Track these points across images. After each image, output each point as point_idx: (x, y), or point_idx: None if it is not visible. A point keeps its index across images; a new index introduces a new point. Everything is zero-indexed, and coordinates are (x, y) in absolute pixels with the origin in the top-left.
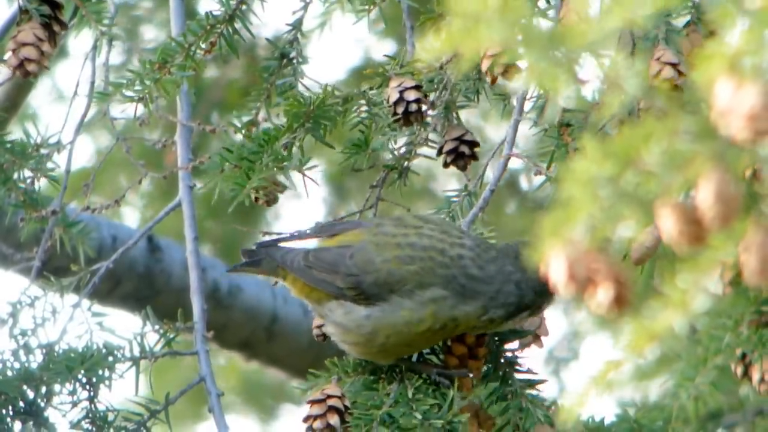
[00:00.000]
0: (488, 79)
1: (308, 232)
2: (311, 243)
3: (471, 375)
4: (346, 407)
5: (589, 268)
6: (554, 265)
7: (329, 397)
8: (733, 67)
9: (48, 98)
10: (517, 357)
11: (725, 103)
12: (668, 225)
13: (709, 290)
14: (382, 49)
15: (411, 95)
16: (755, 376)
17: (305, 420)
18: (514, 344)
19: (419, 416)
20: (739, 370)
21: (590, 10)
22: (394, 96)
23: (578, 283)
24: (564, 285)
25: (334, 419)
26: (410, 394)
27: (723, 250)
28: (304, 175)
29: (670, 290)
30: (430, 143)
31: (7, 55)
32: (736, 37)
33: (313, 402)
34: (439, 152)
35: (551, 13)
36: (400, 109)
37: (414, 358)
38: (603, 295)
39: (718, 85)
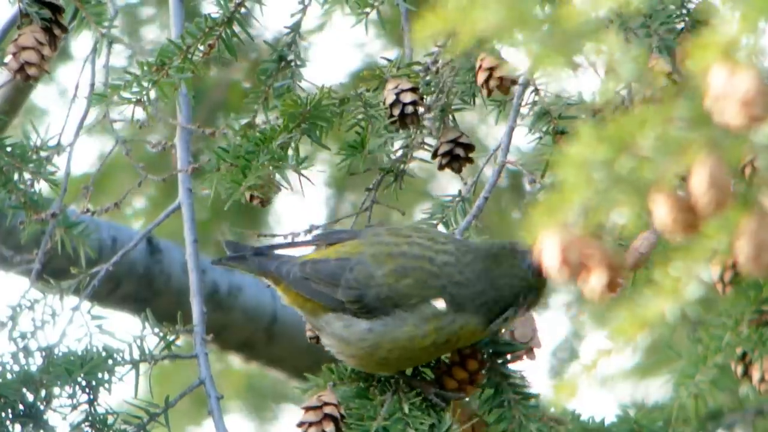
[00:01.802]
0: (484, 92)
1: (303, 237)
2: (304, 251)
3: (466, 399)
4: (342, 416)
5: (582, 253)
6: (547, 249)
7: (326, 404)
8: (727, 54)
9: (52, 101)
10: (511, 369)
11: (719, 90)
12: (662, 212)
13: (701, 278)
14: (382, 52)
15: (407, 97)
16: (755, 375)
17: (300, 425)
18: (507, 357)
19: None
20: (739, 370)
21: None
22: (391, 98)
23: (571, 267)
24: (557, 269)
25: (329, 427)
26: (406, 409)
27: (716, 238)
28: (300, 174)
29: (663, 278)
30: (426, 146)
31: (8, 58)
32: (729, 25)
33: (308, 408)
34: (434, 155)
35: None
36: (397, 111)
37: (409, 371)
38: (596, 280)
39: (713, 72)
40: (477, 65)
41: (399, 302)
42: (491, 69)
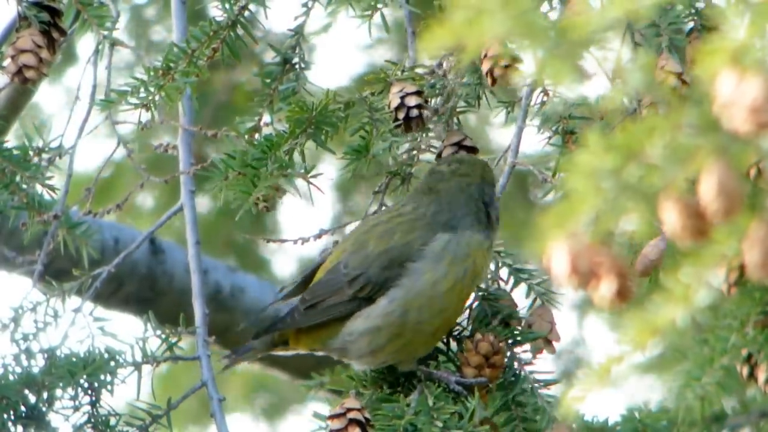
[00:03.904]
0: (488, 81)
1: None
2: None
3: (490, 384)
4: (366, 419)
5: (592, 261)
6: (557, 257)
7: (349, 410)
8: (736, 61)
9: (58, 103)
10: (530, 359)
11: (728, 96)
12: (671, 219)
13: (711, 284)
14: (386, 55)
15: (412, 101)
16: (761, 376)
17: None
18: (526, 350)
19: (440, 425)
20: (745, 371)
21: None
22: (395, 102)
23: (581, 276)
24: (567, 278)
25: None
26: (431, 403)
27: (726, 244)
28: (308, 182)
29: (673, 284)
30: (432, 149)
31: (6, 61)
32: (737, 31)
33: (333, 417)
34: (438, 157)
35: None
36: (401, 115)
37: (432, 366)
38: (606, 288)
39: (721, 78)
40: (482, 53)
41: (404, 257)
42: (496, 57)
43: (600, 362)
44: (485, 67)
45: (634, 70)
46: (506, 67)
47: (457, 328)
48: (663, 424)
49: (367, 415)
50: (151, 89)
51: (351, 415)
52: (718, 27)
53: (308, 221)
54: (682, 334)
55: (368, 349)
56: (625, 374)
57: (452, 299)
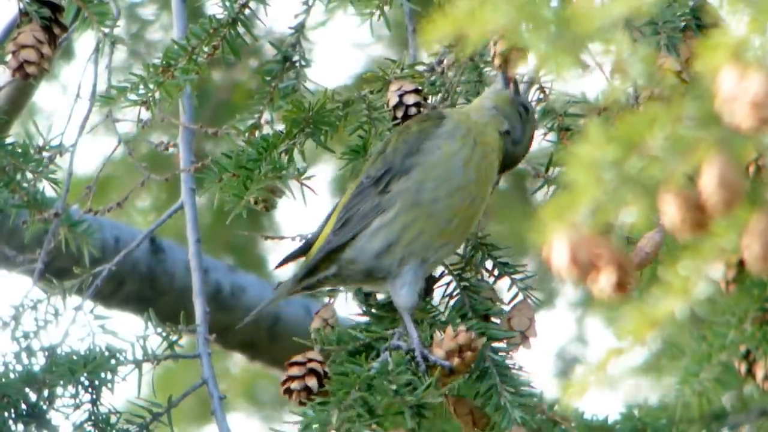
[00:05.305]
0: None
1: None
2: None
3: (452, 374)
4: (325, 372)
5: (591, 252)
6: (557, 249)
7: (311, 360)
8: (737, 56)
9: (56, 101)
10: (504, 356)
11: (729, 91)
12: (671, 211)
13: (710, 278)
14: (387, 53)
15: (410, 99)
16: (759, 373)
17: (284, 382)
18: (503, 345)
19: (393, 388)
20: (743, 368)
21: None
22: (394, 100)
23: (581, 267)
24: (566, 269)
25: (312, 381)
26: (390, 368)
27: (725, 237)
28: (302, 184)
29: (672, 277)
30: None
31: (7, 57)
32: (738, 27)
33: (293, 364)
34: None
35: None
36: (400, 113)
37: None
38: (605, 280)
39: (722, 74)
40: (492, 53)
41: (420, 141)
42: (506, 52)
43: (598, 357)
44: (497, 63)
45: (635, 62)
46: (512, 56)
47: (435, 312)
48: (662, 422)
49: (327, 369)
50: (151, 86)
51: (311, 365)
52: (714, 24)
53: (306, 219)
54: (681, 327)
55: (384, 245)
56: (624, 376)
57: (469, 176)
